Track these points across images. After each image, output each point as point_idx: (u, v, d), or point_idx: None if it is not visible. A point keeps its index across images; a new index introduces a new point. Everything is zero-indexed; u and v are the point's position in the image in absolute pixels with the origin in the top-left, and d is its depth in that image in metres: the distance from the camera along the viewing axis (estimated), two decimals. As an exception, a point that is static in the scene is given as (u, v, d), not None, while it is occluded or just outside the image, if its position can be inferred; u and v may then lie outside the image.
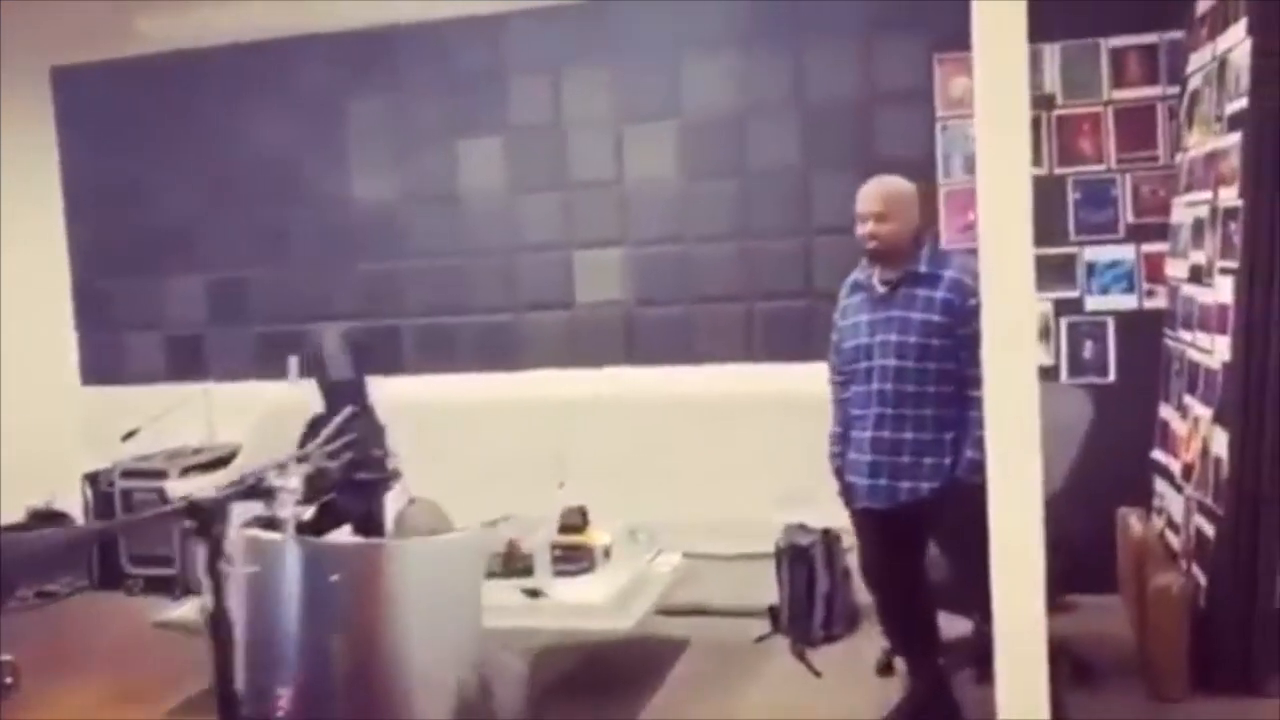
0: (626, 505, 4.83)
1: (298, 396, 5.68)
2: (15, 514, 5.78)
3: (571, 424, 5.38)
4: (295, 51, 5.64)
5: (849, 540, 4.43)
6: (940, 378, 3.28)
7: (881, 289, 3.41)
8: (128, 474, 5.44)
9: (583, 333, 5.49)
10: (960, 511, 3.11)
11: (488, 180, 5.52)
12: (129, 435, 5.81)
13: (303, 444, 5.54)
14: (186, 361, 5.98)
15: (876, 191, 3.41)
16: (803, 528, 4.38)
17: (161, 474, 5.35)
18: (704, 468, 5.10)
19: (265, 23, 5.52)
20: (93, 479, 5.49)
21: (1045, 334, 4.76)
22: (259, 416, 5.71)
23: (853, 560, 4.48)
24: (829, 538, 4.33)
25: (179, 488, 5.23)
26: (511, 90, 5.46)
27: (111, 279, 6.09)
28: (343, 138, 5.67)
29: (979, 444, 3.18)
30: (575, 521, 4.04)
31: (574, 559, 3.89)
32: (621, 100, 5.34)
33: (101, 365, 6.14)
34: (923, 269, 3.33)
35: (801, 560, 4.27)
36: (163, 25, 5.53)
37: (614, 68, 5.33)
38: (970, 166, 4.83)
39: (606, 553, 3.98)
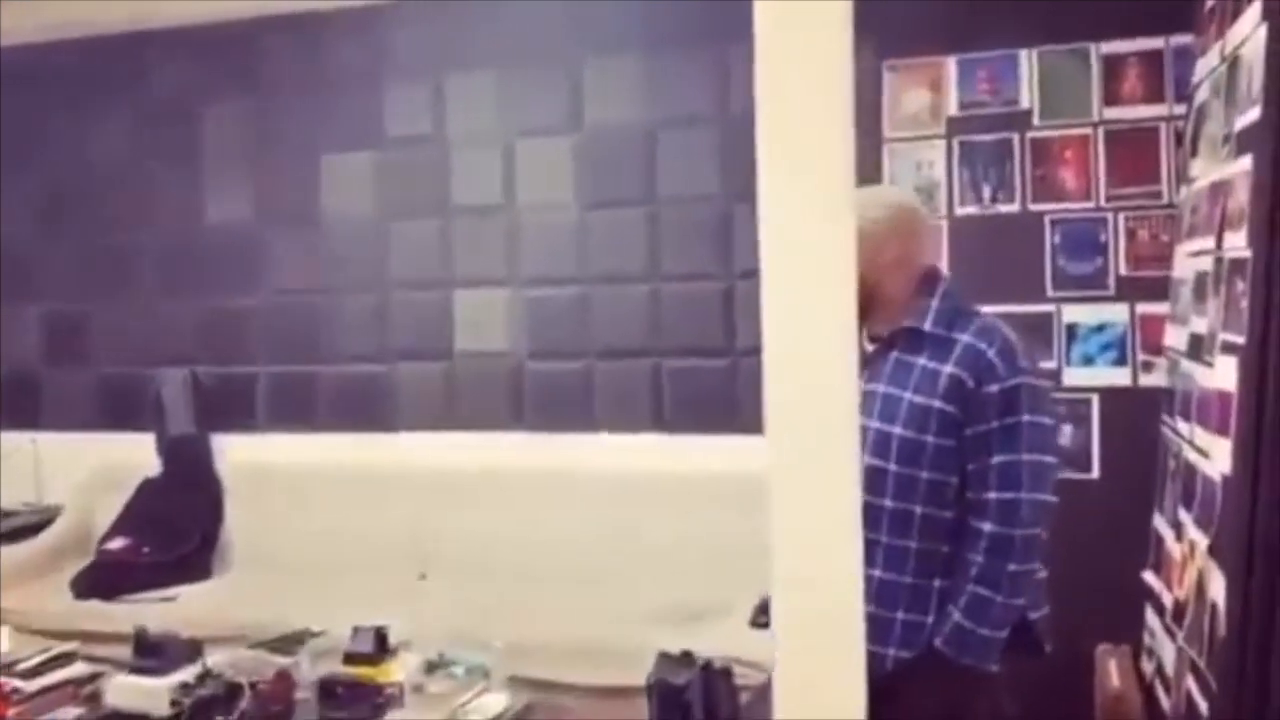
0: (489, 607, 3.91)
1: (134, 453, 4.84)
2: None
3: (444, 501, 4.46)
4: (144, 48, 4.81)
5: (744, 674, 3.45)
6: (933, 494, 2.21)
7: (869, 347, 2.39)
8: (-86, 542, 4.58)
9: (462, 390, 4.56)
10: (929, 700, 2.17)
11: (356, 203, 4.63)
12: (-58, 492, 4.96)
13: (128, 512, 4.68)
14: (20, 406, 5.13)
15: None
16: (684, 658, 3.38)
17: (-51, 544, 4.47)
18: (592, 563, 4.15)
19: (111, 16, 4.69)
20: (-117, 546, 4.62)
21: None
22: (89, 474, 4.85)
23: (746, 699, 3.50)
24: (712, 673, 3.32)
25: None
26: (386, 97, 4.58)
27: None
28: (196, 150, 4.82)
29: (976, 608, 2.16)
30: (364, 649, 3.09)
31: (352, 702, 2.94)
32: (513, 111, 4.44)
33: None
34: (927, 327, 2.27)
35: (674, 704, 3.27)
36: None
37: (505, 72, 4.44)
38: (924, 199, 3.87)
39: (403, 691, 3.02)
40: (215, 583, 4.44)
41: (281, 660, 3.13)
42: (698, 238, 4.25)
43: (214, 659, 3.18)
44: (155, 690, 3.02)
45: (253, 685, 3.10)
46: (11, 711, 2.85)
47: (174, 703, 3.00)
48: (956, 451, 2.19)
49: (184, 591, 4.26)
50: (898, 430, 2.23)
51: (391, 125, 4.57)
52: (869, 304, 2.32)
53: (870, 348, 2.39)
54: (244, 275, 4.76)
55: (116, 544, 4.42)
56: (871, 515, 2.27)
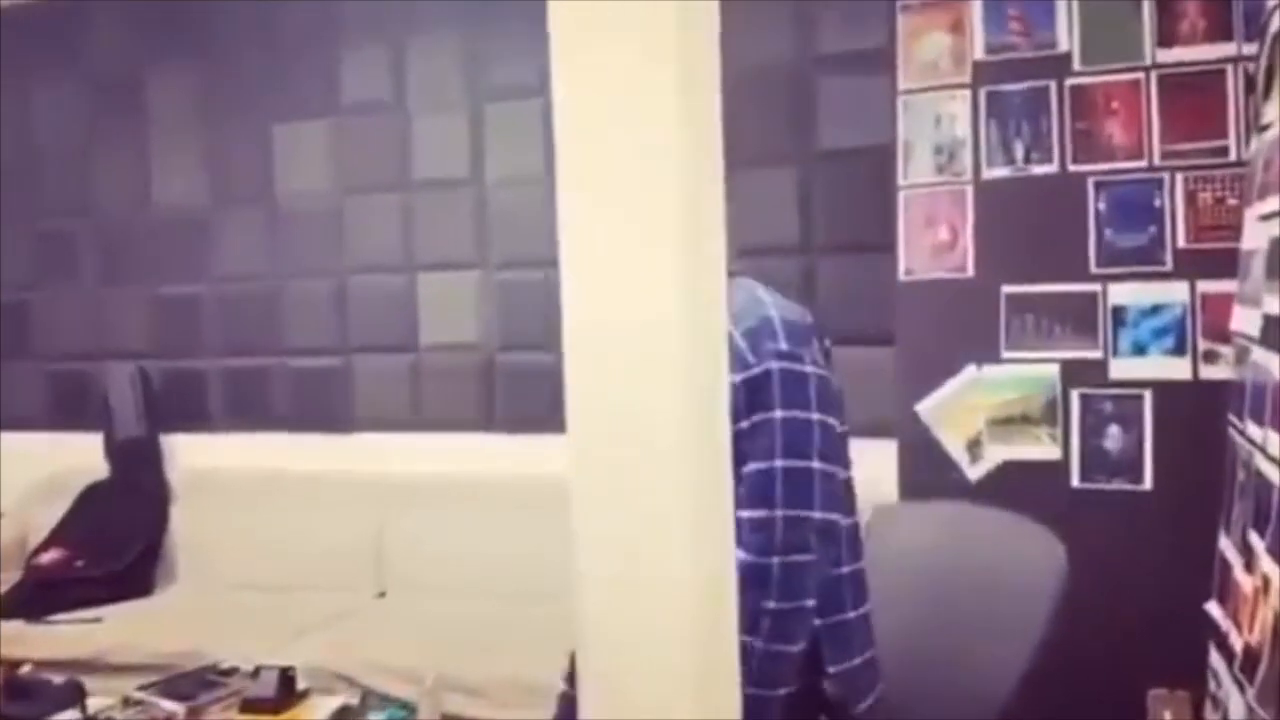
0: (447, 629, 3.45)
1: (86, 455, 4.42)
2: None
3: (406, 510, 3.99)
4: (88, 12, 4.38)
5: None
6: None
7: None
8: None
9: (428, 386, 4.08)
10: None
11: (311, 178, 4.17)
12: (-118, 496, 4.60)
13: (66, 521, 4.27)
14: (-30, 404, 4.75)
15: None
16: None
17: None
18: (567, 580, 3.64)
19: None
20: None
21: (1050, 413, 3.18)
22: (36, 479, 4.45)
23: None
24: None
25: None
26: (342, 59, 4.10)
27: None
28: (141, 123, 4.38)
29: (741, 658, 1.71)
30: (265, 694, 2.61)
31: (242, 759, 2.47)
32: (480, 72, 3.94)
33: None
34: None
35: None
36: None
37: (470, 30, 3.94)
38: (945, 160, 3.31)
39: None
40: (153, 601, 4.00)
41: (168, 706, 2.66)
42: (686, 211, 3.72)
43: (100, 702, 2.74)
44: (19, 742, 2.58)
45: (143, 733, 2.65)
46: None
47: (41, 757, 2.56)
48: None
49: (116, 611, 3.82)
50: None
51: (347, 90, 4.09)
52: None
53: None
54: (192, 259, 4.32)
55: (48, 557, 4.01)
56: None
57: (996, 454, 3.22)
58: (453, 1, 3.94)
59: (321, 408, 4.18)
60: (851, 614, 1.79)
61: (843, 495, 1.78)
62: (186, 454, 4.34)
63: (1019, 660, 2.10)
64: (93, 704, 2.70)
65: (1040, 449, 3.18)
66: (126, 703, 2.75)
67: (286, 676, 2.66)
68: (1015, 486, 3.10)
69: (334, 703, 2.71)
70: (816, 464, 1.69)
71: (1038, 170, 3.23)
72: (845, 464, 1.81)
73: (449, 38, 3.95)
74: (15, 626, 3.74)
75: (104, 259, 4.47)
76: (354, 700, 2.77)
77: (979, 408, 3.22)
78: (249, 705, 2.62)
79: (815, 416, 1.70)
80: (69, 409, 4.55)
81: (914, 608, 2.45)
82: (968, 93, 3.29)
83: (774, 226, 3.59)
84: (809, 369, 1.71)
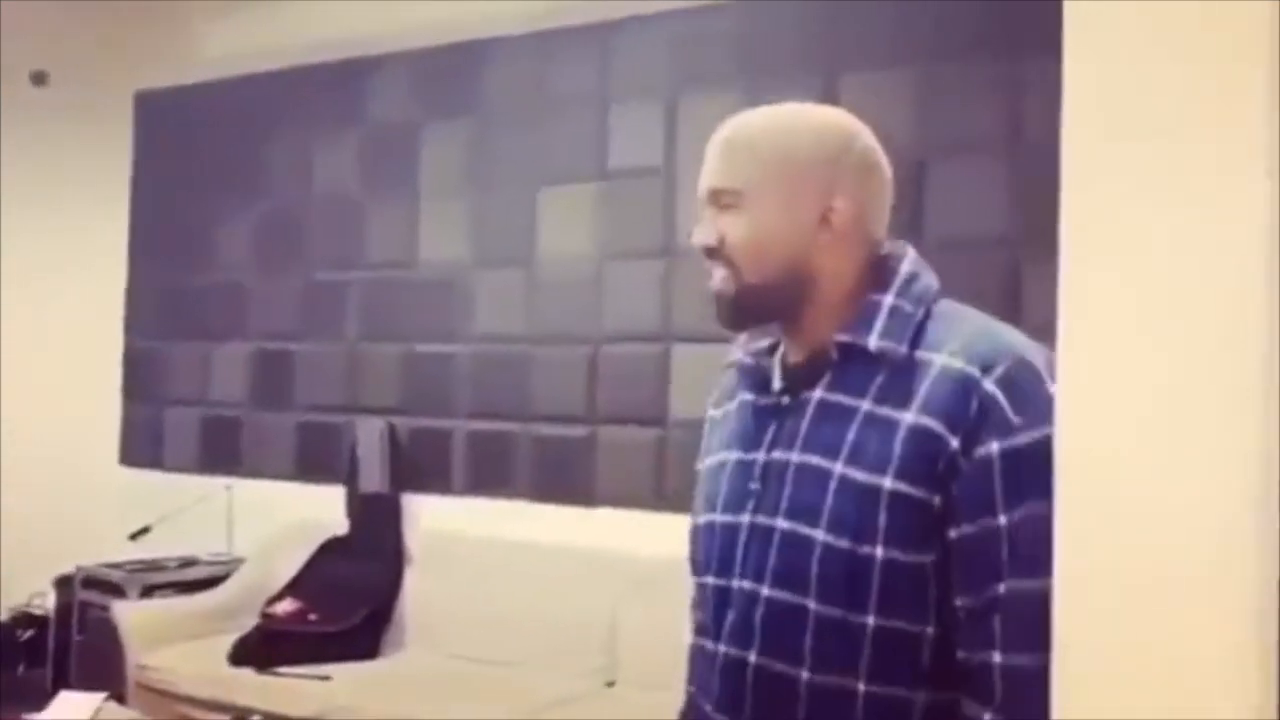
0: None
1: (329, 507, 4.42)
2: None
3: (644, 595, 3.73)
4: (369, 70, 4.50)
5: None
6: (890, 656, 1.20)
7: (779, 387, 1.34)
8: (89, 583, 4.29)
9: (674, 463, 3.84)
10: None
11: (573, 241, 4.06)
12: (138, 534, 4.74)
13: (303, 573, 4.23)
14: (221, 448, 4.85)
15: (735, 138, 1.33)
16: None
17: (118, 590, 4.15)
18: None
19: (340, 37, 4.44)
20: (63, 583, 4.38)
21: None
22: (278, 528, 4.47)
23: None
24: None
25: (126, 612, 4.01)
26: (611, 123, 4.01)
27: (159, 342, 5.09)
28: (412, 180, 4.42)
29: None
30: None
31: None
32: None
33: (140, 444, 5.13)
34: (874, 342, 1.26)
35: None
36: (226, 40, 4.59)
37: (750, 92, 3.77)
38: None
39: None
40: (380, 664, 3.88)
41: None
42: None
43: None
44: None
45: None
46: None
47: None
48: (934, 572, 1.18)
49: (344, 670, 3.71)
50: (821, 535, 1.22)
51: (617, 155, 3.99)
52: (795, 303, 1.30)
53: (781, 388, 1.33)
54: (449, 319, 4.29)
55: (282, 607, 3.96)
56: (774, 688, 1.25)
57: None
58: (723, 57, 3.79)
59: (564, 478, 4.01)
60: None
61: None
62: (425, 515, 4.26)
63: None
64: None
65: None
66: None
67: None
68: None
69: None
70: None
71: None
72: None
73: (724, 96, 3.79)
74: (244, 674, 3.69)
75: (366, 314, 4.51)
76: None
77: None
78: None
79: None
80: (316, 460, 4.57)
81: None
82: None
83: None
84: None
